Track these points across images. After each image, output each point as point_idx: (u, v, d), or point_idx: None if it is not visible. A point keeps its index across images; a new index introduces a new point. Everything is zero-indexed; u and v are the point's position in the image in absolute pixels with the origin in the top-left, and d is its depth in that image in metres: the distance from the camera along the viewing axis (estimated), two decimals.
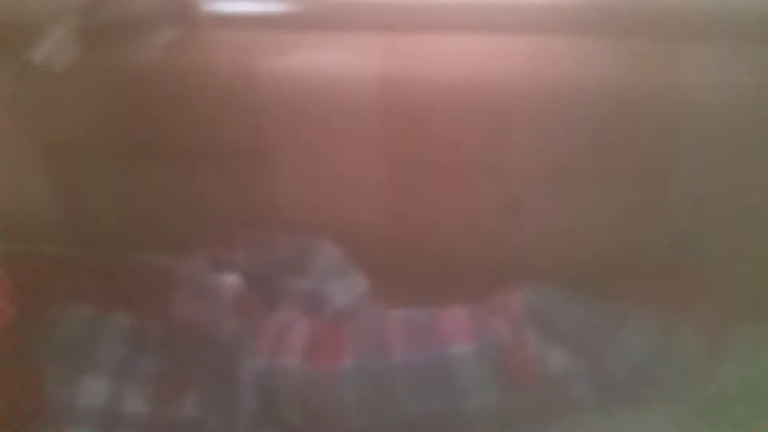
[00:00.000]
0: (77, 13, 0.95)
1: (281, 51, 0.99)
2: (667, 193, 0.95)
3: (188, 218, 1.10)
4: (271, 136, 1.01)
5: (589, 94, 0.92)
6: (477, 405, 0.88)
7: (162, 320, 1.03)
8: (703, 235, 0.96)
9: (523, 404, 0.88)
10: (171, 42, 1.01)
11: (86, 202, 1.15)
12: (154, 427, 0.94)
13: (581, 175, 0.97)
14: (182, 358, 0.99)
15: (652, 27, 0.92)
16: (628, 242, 0.99)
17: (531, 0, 0.96)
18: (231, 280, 1.03)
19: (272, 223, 1.08)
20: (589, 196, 0.97)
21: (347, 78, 0.96)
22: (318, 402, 0.91)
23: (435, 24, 0.97)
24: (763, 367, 0.88)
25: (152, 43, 1.02)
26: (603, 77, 0.92)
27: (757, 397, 0.87)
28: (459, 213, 1.03)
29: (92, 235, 1.16)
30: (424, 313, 0.96)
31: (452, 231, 1.04)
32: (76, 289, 1.08)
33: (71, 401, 0.96)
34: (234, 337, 0.97)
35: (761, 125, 0.90)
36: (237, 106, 0.99)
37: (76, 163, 1.12)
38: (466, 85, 0.94)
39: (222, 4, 1.03)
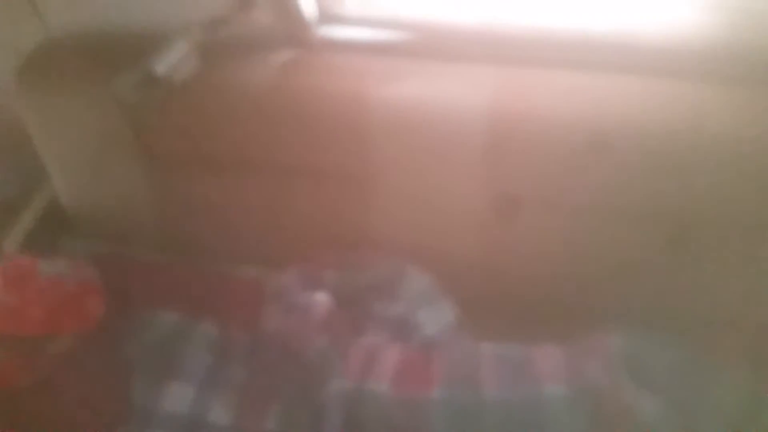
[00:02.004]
0: (200, 29, 0.98)
1: (393, 78, 1.00)
2: None
3: (284, 234, 1.12)
4: (374, 160, 1.03)
5: (701, 139, 0.91)
6: None
7: (250, 332, 1.04)
8: None
9: None
10: (286, 63, 1.04)
11: (184, 211, 1.17)
12: None
13: (690, 220, 0.96)
14: (268, 372, 1.00)
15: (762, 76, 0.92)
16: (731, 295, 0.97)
17: (646, 43, 0.96)
18: (321, 297, 1.04)
19: (366, 245, 1.08)
20: (699, 243, 0.96)
21: (456, 108, 0.97)
22: (404, 428, 0.91)
23: (548, 60, 0.98)
24: None
25: (268, 63, 1.04)
26: (715, 124, 0.91)
27: None
28: (554, 249, 1.02)
29: (187, 243, 1.18)
30: (517, 350, 0.95)
31: (547, 267, 1.03)
32: (166, 296, 1.09)
33: (156, 406, 0.97)
34: (321, 355, 0.98)
35: None
36: (344, 129, 1.01)
37: (178, 173, 1.15)
38: (574, 122, 0.94)
39: (338, 30, 1.05)
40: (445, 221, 1.05)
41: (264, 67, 1.04)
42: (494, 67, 1.00)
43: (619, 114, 0.94)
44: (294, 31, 1.03)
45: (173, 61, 0.96)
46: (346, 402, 0.93)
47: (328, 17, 1.04)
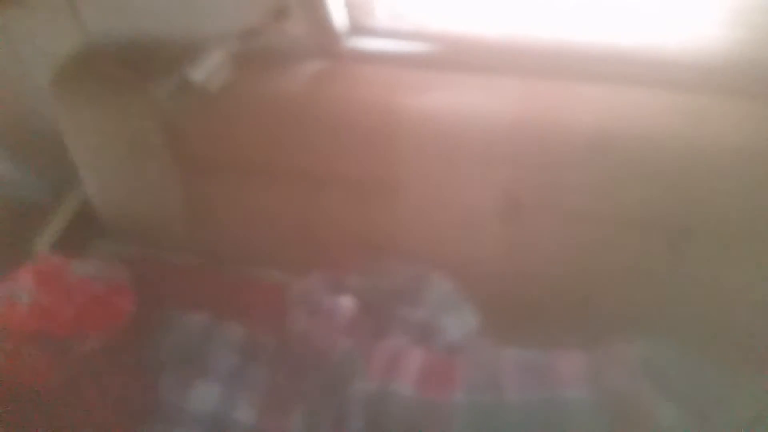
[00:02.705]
0: (235, 38, 1.01)
1: (421, 89, 1.03)
2: None
3: (311, 240, 1.14)
4: (400, 169, 1.05)
5: (722, 151, 0.93)
6: None
7: (276, 334, 1.06)
8: None
9: None
10: (317, 73, 1.07)
11: (214, 215, 1.20)
12: None
13: (713, 232, 0.97)
14: (293, 373, 1.01)
15: None
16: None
17: (668, 57, 0.98)
18: (346, 301, 1.06)
19: (390, 251, 1.10)
20: (723, 253, 0.97)
21: (482, 119, 0.99)
22: (426, 430, 0.92)
23: (572, 72, 1.00)
24: None
25: (300, 73, 1.07)
26: (739, 137, 0.93)
27: None
28: (576, 258, 1.04)
29: (215, 247, 1.20)
30: (539, 354, 0.96)
31: (568, 275, 1.05)
32: (194, 297, 1.11)
33: (182, 404, 0.99)
34: (345, 357, 0.99)
35: None
36: (372, 139, 1.04)
37: (209, 178, 1.17)
38: (596, 134, 0.96)
39: (368, 41, 1.08)
40: (470, 229, 1.07)
41: (296, 76, 1.07)
42: (519, 79, 1.02)
43: (641, 127, 0.96)
44: (326, 42, 1.06)
45: (209, 69, 0.99)
46: (369, 403, 0.95)
47: (358, 29, 1.07)
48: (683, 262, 0.99)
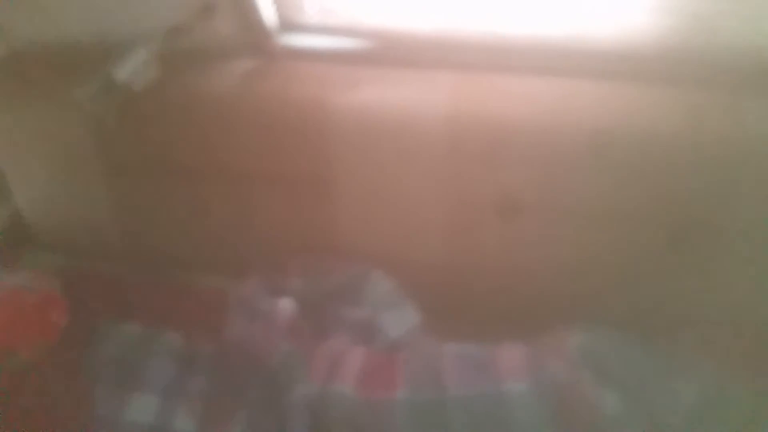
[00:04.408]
0: (160, 37, 0.99)
1: (353, 85, 1.01)
2: (721, 241, 0.96)
3: (248, 242, 1.12)
4: (336, 166, 1.04)
5: (649, 139, 0.93)
6: None
7: (214, 341, 1.04)
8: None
9: None
10: (247, 71, 1.05)
11: (146, 221, 1.17)
12: None
13: (641, 218, 0.98)
14: (232, 380, 0.99)
15: (717, 78, 0.95)
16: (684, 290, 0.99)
17: (598, 47, 0.98)
18: (285, 304, 1.04)
19: (329, 251, 1.09)
20: (649, 241, 0.98)
21: (414, 114, 0.99)
22: (369, 430, 0.91)
23: (503, 65, 1.00)
24: None
25: (229, 71, 1.05)
26: (668, 124, 0.93)
27: None
28: (515, 251, 1.03)
29: (148, 254, 1.18)
30: (479, 349, 0.96)
31: (507, 268, 1.04)
32: (129, 307, 1.09)
33: (119, 416, 0.96)
34: (286, 361, 0.97)
35: None
36: (306, 137, 1.02)
37: (139, 183, 1.14)
38: (530, 126, 0.96)
39: (299, 38, 1.06)
40: (407, 226, 1.06)
41: (225, 74, 1.05)
42: (452, 73, 1.02)
43: (574, 117, 0.96)
44: (255, 40, 1.04)
45: (133, 68, 0.97)
46: (311, 405, 0.93)
47: (288, 26, 1.05)
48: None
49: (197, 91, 1.04)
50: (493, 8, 1.01)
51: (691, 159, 0.93)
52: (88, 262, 1.19)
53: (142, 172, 1.12)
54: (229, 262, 1.11)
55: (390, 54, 1.04)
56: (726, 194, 0.94)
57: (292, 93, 1.02)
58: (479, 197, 1.02)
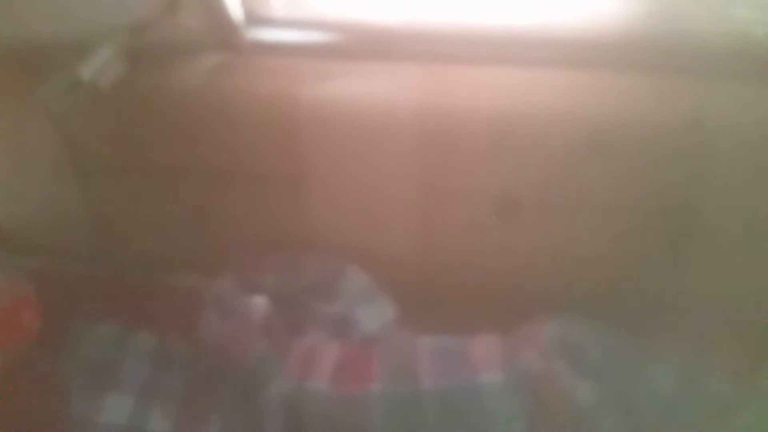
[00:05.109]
0: (125, 33, 0.98)
1: (322, 79, 1.01)
2: (698, 230, 0.96)
3: (219, 239, 1.11)
4: (306, 161, 1.03)
5: (623, 128, 0.93)
6: None
7: (188, 340, 1.03)
8: (732, 273, 0.97)
9: None
10: (214, 67, 1.04)
11: (117, 221, 1.16)
12: None
13: (616, 207, 0.97)
14: (207, 379, 0.99)
15: (685, 65, 0.95)
16: (660, 278, 0.99)
17: (567, 36, 0.98)
18: (259, 302, 1.03)
19: (302, 247, 1.08)
20: (625, 229, 0.98)
21: (384, 107, 0.98)
22: (345, 425, 0.91)
23: (473, 56, 1.00)
24: None
25: (196, 67, 1.04)
26: (638, 112, 0.93)
27: None
28: (488, 242, 1.03)
29: (121, 254, 1.17)
30: (454, 341, 0.96)
31: (481, 262, 1.04)
32: (102, 307, 1.08)
33: (94, 418, 0.95)
34: (261, 359, 0.97)
35: None
36: (275, 132, 1.02)
37: (109, 182, 1.14)
38: (501, 117, 0.96)
39: (266, 32, 1.05)
40: (381, 220, 1.06)
41: (192, 70, 1.04)
42: (422, 65, 1.01)
43: (543, 107, 0.96)
44: (221, 34, 1.03)
45: (99, 66, 0.95)
46: (286, 402, 0.93)
47: (254, 20, 1.04)
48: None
49: (164, 87, 1.03)
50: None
51: (665, 146, 0.93)
52: (61, 264, 1.18)
53: (112, 171, 1.11)
54: (202, 260, 1.10)
55: (360, 47, 1.04)
56: (705, 182, 0.94)
57: (260, 88, 1.02)
58: (453, 190, 1.02)
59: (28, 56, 1.07)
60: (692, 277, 0.99)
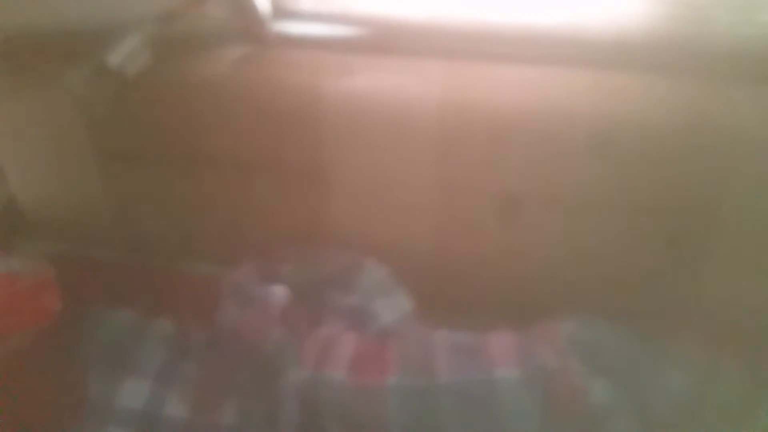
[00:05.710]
0: (153, 22, 0.98)
1: (347, 73, 1.01)
2: (715, 232, 0.97)
3: (241, 230, 1.12)
4: (330, 154, 1.04)
5: (643, 129, 0.93)
6: (519, 431, 0.88)
7: (206, 327, 1.04)
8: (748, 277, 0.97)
9: None
10: (240, 58, 1.05)
11: (139, 208, 1.17)
12: None
13: (635, 208, 0.98)
14: (225, 366, 1.00)
15: (705, 68, 0.95)
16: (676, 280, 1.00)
17: (589, 36, 0.98)
18: (278, 291, 1.04)
19: (321, 238, 1.09)
20: (642, 230, 0.98)
21: (407, 102, 0.99)
22: (360, 416, 0.91)
23: (496, 54, 1.00)
24: None
25: (222, 58, 1.05)
26: (659, 114, 0.94)
27: None
28: (507, 238, 1.04)
29: (142, 241, 1.18)
30: (470, 337, 0.96)
31: (499, 258, 1.05)
32: (122, 294, 1.09)
33: (111, 402, 0.97)
34: (278, 348, 0.98)
35: None
36: (299, 124, 1.02)
37: (132, 169, 1.14)
38: (523, 115, 0.96)
39: (292, 25, 1.06)
40: (401, 213, 1.06)
41: (218, 61, 1.04)
42: (446, 60, 1.01)
43: (567, 107, 0.96)
44: (248, 26, 1.03)
45: (126, 54, 0.96)
46: (303, 392, 0.94)
47: (282, 12, 1.05)
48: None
49: (190, 77, 1.04)
50: None
51: (685, 149, 0.93)
52: (82, 249, 1.19)
53: (135, 158, 1.12)
54: (222, 250, 1.11)
55: (384, 41, 1.04)
56: (722, 185, 0.94)
57: (285, 80, 1.02)
58: (473, 185, 1.02)
59: (55, 42, 1.08)
60: (702, 277, 0.99)
